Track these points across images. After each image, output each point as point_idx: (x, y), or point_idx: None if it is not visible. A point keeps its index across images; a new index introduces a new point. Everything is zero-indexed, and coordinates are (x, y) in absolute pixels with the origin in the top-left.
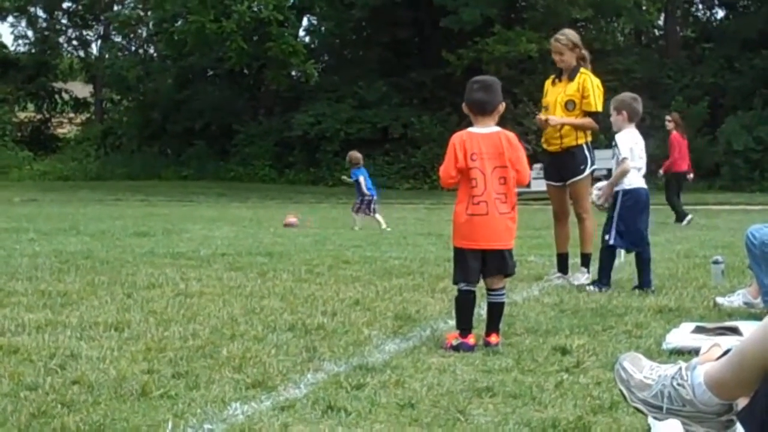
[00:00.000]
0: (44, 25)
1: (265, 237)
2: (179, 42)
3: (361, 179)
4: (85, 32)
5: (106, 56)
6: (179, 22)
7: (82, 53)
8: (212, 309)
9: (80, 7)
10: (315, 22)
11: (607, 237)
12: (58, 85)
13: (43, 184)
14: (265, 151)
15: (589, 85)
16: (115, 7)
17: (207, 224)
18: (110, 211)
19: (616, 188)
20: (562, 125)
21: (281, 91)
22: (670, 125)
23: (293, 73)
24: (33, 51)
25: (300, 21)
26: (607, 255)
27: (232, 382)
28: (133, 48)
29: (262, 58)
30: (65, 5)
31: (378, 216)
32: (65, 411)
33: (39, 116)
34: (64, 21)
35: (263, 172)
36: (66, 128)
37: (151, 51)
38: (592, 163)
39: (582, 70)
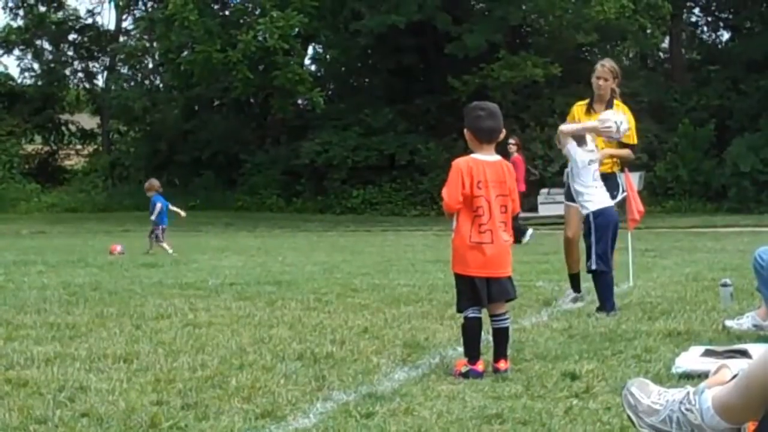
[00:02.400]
0: (50, 57)
1: (274, 266)
2: (185, 72)
3: (158, 206)
4: (91, 64)
5: (113, 87)
6: (185, 53)
7: (88, 85)
8: (221, 339)
9: (86, 39)
10: (320, 50)
11: (588, 263)
12: (65, 116)
13: (51, 216)
14: (272, 180)
15: (628, 117)
16: (121, 39)
17: (215, 254)
18: (117, 242)
19: (586, 211)
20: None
21: (288, 120)
22: (512, 149)
23: (299, 101)
24: (39, 83)
25: (305, 49)
26: (599, 280)
27: (242, 412)
28: (139, 79)
29: (268, 87)
30: (71, 37)
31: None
32: None
33: (46, 148)
34: (70, 53)
35: (271, 201)
36: (73, 160)
37: (157, 82)
38: (623, 191)
39: (616, 101)
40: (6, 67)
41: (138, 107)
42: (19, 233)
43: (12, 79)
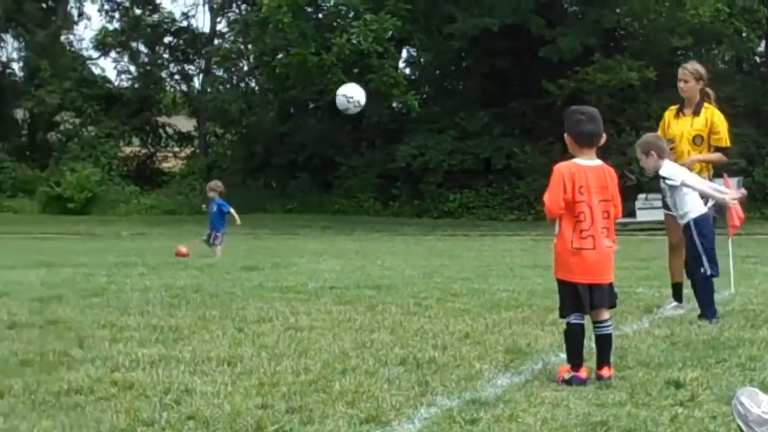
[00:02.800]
0: (146, 60)
1: (372, 270)
2: (281, 75)
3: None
4: (186, 66)
5: (208, 90)
6: (280, 55)
7: (184, 87)
8: (323, 343)
9: (181, 42)
10: (414, 53)
11: (702, 269)
12: (162, 119)
13: (150, 218)
14: (368, 184)
15: (718, 120)
16: (216, 41)
17: (313, 257)
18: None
19: (685, 220)
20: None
21: (383, 123)
22: None
23: (394, 104)
24: (136, 86)
25: (399, 53)
26: (706, 286)
27: (346, 416)
28: (235, 81)
29: (363, 90)
30: (166, 40)
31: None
32: None
33: (144, 150)
34: (165, 55)
35: (367, 205)
36: (171, 162)
37: (253, 84)
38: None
39: (706, 104)
40: (103, 69)
41: (234, 110)
42: (119, 235)
43: (109, 81)
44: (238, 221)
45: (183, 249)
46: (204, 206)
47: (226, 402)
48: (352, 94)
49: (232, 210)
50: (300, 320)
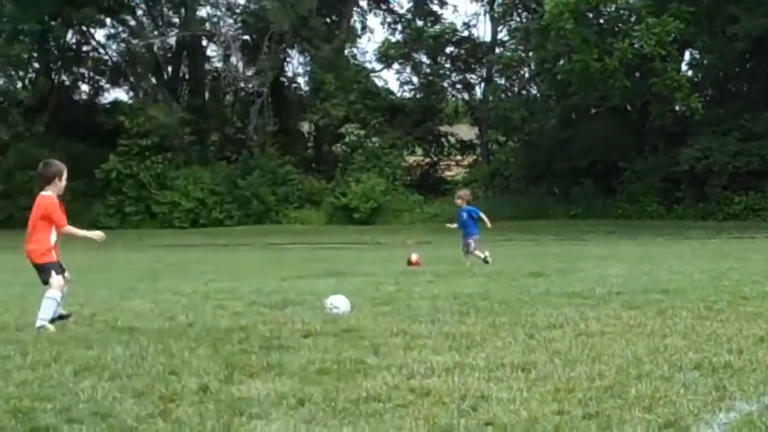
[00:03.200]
0: (428, 70)
1: (659, 274)
2: (562, 81)
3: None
4: (468, 75)
5: (490, 98)
6: (561, 62)
7: (466, 96)
8: (615, 348)
9: (463, 51)
10: (697, 55)
11: None
12: (444, 128)
13: (434, 227)
14: (651, 188)
15: None
16: (497, 50)
17: (599, 262)
18: (502, 252)
19: None
20: None
21: (666, 127)
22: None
23: (677, 107)
24: (418, 96)
25: (682, 55)
26: None
27: (644, 422)
28: (516, 89)
29: (646, 93)
30: (448, 50)
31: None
32: None
33: (427, 160)
34: (447, 65)
35: (651, 209)
36: (453, 171)
37: (534, 91)
38: None
39: None
40: (386, 81)
41: (516, 117)
42: (404, 243)
43: (392, 92)
44: (489, 224)
45: (415, 258)
46: (448, 225)
47: (522, 408)
48: (337, 304)
49: (482, 214)
50: (590, 326)
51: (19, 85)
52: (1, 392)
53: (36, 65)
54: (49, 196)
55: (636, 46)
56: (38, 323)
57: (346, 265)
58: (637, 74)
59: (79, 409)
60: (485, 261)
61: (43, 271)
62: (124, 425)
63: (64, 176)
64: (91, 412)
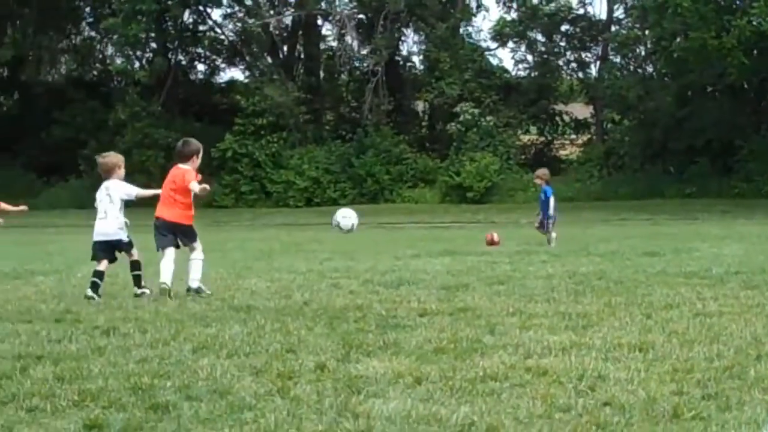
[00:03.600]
0: (543, 48)
1: None
2: (679, 59)
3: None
4: (583, 54)
5: (606, 77)
6: (678, 40)
7: (581, 75)
8: (734, 329)
9: (578, 30)
10: None
11: None
12: (559, 107)
13: None
14: None
15: None
16: (613, 28)
17: (715, 242)
18: (617, 231)
19: None
20: None
21: None
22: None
23: None
24: (533, 75)
25: None
26: None
27: (764, 403)
28: (632, 67)
29: (764, 72)
30: (563, 28)
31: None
32: None
33: (541, 138)
34: (562, 44)
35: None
36: (567, 150)
37: (650, 69)
38: None
39: None
40: (501, 60)
41: (631, 96)
42: (518, 223)
43: (507, 71)
44: (552, 211)
45: (494, 236)
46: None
47: (640, 388)
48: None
49: (551, 197)
50: (707, 306)
51: (137, 65)
52: (121, 369)
53: (153, 45)
54: (188, 169)
55: (754, 23)
56: (194, 284)
57: (460, 244)
58: (755, 52)
59: (198, 387)
60: (548, 242)
61: (191, 234)
62: (243, 402)
63: (200, 155)
64: (210, 390)
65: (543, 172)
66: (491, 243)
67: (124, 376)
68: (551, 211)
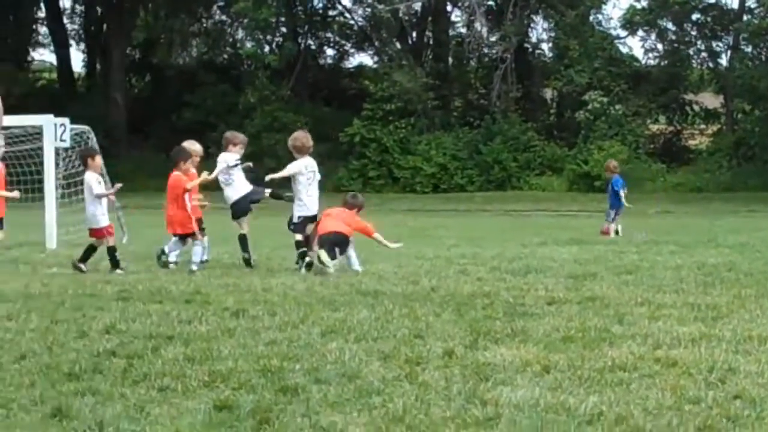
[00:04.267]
0: (673, 37)
1: None
2: None
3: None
4: (714, 43)
5: (737, 66)
6: None
7: (711, 64)
8: None
9: (709, 19)
10: None
11: None
12: (689, 96)
13: (676, 196)
14: None
15: None
16: (745, 17)
17: None
18: (746, 223)
19: None
20: None
21: None
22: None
23: None
24: (663, 64)
25: None
26: None
27: None
28: (764, 57)
29: None
30: (694, 17)
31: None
32: (730, 426)
33: (670, 128)
34: (693, 33)
35: None
36: (697, 140)
37: None
38: None
39: None
40: (630, 48)
41: (763, 86)
42: (646, 213)
43: (636, 60)
44: (624, 202)
45: (610, 227)
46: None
47: None
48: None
49: (621, 190)
50: None
51: (267, 49)
52: (251, 351)
53: (283, 29)
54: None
55: None
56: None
57: (587, 233)
58: None
59: (326, 370)
60: (616, 233)
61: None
62: (371, 387)
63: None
64: (339, 373)
65: (611, 164)
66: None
67: (254, 358)
68: (621, 201)
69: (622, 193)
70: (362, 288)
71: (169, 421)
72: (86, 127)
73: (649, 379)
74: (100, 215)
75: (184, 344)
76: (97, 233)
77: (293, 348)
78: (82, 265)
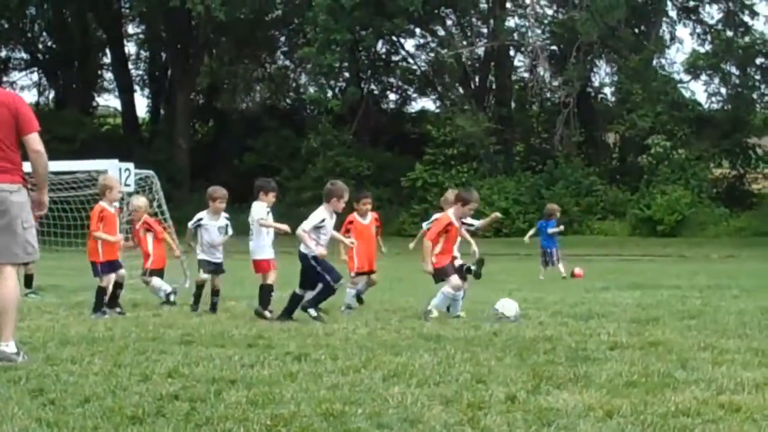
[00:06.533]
0: (737, 81)
1: None
2: None
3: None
4: None
5: None
6: None
7: None
8: None
9: None
10: None
11: None
12: (752, 140)
13: (740, 240)
14: None
15: None
16: None
17: None
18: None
19: None
20: None
21: None
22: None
23: None
24: (727, 108)
25: None
26: None
27: None
28: None
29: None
30: (758, 61)
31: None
32: None
33: (734, 172)
34: (756, 77)
35: None
36: (760, 183)
37: None
38: None
39: None
40: (693, 93)
41: None
42: (709, 257)
43: (699, 104)
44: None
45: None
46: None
47: None
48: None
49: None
50: None
51: (330, 93)
52: (312, 395)
53: (346, 74)
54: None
55: None
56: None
57: (650, 278)
58: None
59: (388, 414)
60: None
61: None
62: (433, 431)
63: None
64: (400, 418)
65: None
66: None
67: (316, 402)
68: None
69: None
70: (424, 332)
71: None
72: (150, 172)
73: (713, 425)
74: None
75: (247, 388)
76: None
77: (355, 392)
78: (266, 313)
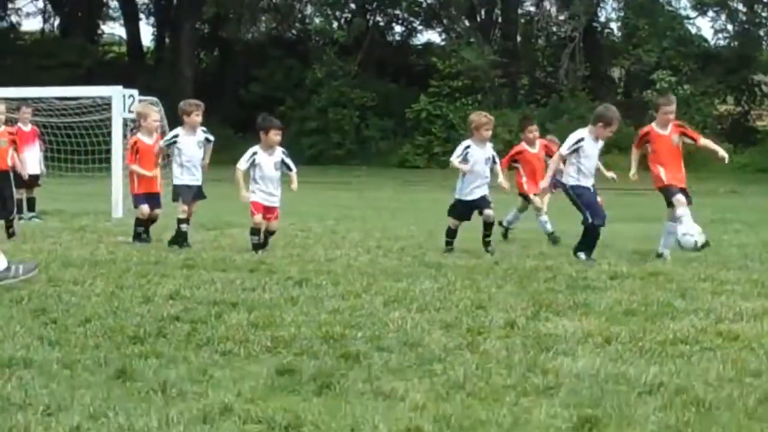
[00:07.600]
0: (744, 18)
1: None
2: None
3: None
4: None
5: None
6: None
7: None
8: None
9: None
10: None
11: None
12: (758, 77)
13: (743, 176)
14: None
15: None
16: None
17: None
18: None
19: None
20: None
21: None
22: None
23: None
24: (733, 44)
25: None
26: None
27: None
28: None
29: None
30: None
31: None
32: None
33: (738, 109)
34: (764, 14)
35: None
36: (765, 120)
37: None
38: None
39: None
40: (699, 28)
41: None
42: (716, 192)
43: (706, 40)
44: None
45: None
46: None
47: None
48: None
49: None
50: None
51: (335, 24)
52: (313, 319)
53: (352, 5)
54: None
55: None
56: None
57: (654, 211)
58: None
59: (388, 338)
60: None
61: None
62: (433, 355)
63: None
64: (400, 342)
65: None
66: None
67: (316, 325)
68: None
69: None
70: (425, 260)
71: (231, 384)
72: (154, 99)
73: (711, 352)
74: None
75: (248, 311)
76: None
77: (355, 316)
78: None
